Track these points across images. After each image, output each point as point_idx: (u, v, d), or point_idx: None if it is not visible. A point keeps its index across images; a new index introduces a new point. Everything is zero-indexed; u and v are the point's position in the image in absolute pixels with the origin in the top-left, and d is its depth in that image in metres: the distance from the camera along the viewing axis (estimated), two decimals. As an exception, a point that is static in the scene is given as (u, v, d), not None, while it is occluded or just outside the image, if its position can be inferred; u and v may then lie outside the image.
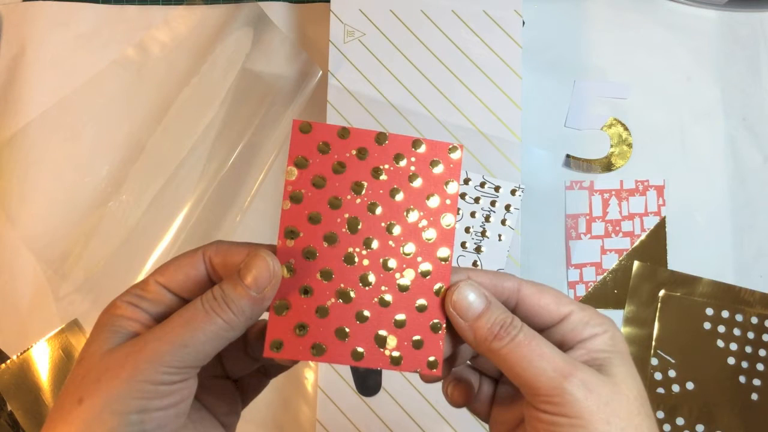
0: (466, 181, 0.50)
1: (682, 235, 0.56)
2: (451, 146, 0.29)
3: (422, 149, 0.29)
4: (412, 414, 0.48)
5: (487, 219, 0.50)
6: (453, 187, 0.29)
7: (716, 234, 0.56)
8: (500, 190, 0.50)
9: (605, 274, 0.55)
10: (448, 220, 0.29)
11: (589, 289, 0.55)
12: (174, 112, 0.56)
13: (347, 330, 0.28)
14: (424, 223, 0.29)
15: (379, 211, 0.29)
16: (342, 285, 0.28)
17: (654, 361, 0.54)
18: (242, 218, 0.56)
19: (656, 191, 0.56)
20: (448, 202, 0.29)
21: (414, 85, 0.50)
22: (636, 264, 0.55)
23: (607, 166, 0.56)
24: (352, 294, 0.28)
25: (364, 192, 0.29)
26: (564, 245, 0.56)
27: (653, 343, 0.54)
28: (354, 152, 0.29)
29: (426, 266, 0.29)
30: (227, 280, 0.27)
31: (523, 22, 0.50)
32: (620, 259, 0.55)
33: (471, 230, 0.50)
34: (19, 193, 0.56)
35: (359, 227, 0.29)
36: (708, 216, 0.56)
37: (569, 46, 0.58)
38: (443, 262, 0.29)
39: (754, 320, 0.54)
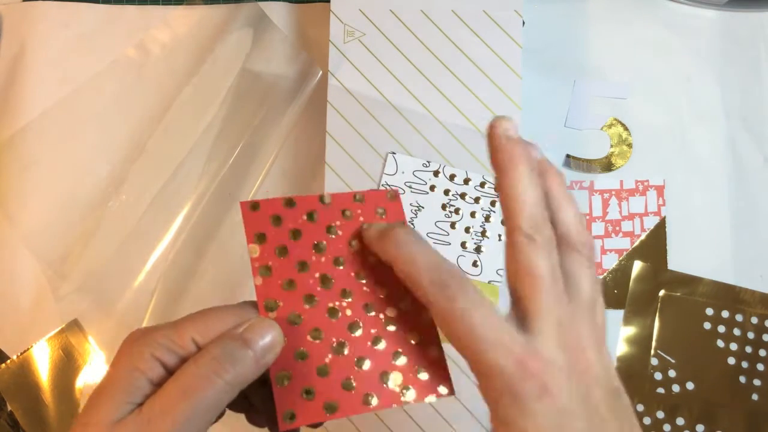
0: (466, 181, 0.50)
1: (682, 235, 0.56)
2: (388, 193, 0.31)
3: (364, 201, 0.31)
4: (413, 414, 0.48)
5: (487, 219, 0.50)
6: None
7: (716, 234, 0.56)
8: (500, 190, 0.50)
9: (605, 274, 0.55)
10: None
11: (589, 289, 0.55)
12: (174, 112, 0.56)
13: (352, 380, 0.28)
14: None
15: (343, 262, 0.30)
16: (334, 340, 0.29)
17: (654, 361, 0.54)
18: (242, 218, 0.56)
19: (656, 191, 0.56)
20: None
21: (414, 85, 0.50)
22: (636, 264, 0.55)
23: (607, 166, 0.56)
24: (346, 346, 0.29)
25: (325, 250, 0.30)
26: (564, 245, 0.56)
27: (653, 343, 0.54)
28: (304, 217, 0.30)
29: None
30: (228, 339, 0.26)
31: (523, 22, 0.50)
32: (620, 259, 0.55)
33: (471, 230, 0.50)
34: (19, 193, 0.56)
35: (332, 282, 0.29)
36: (708, 216, 0.56)
37: (569, 46, 0.58)
38: None
39: (754, 320, 0.54)
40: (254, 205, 0.30)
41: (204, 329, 0.26)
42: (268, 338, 0.26)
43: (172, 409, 0.24)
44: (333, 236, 0.30)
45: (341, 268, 0.30)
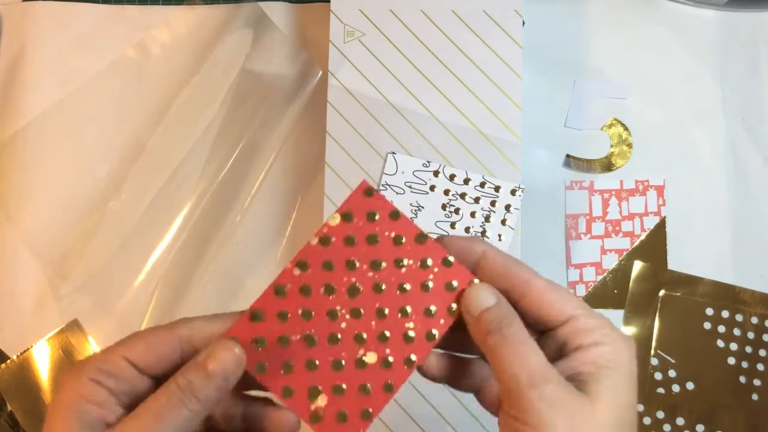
0: (466, 181, 0.50)
1: (682, 235, 0.56)
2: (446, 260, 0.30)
3: (451, 266, 0.30)
4: (413, 415, 0.48)
5: (487, 219, 0.50)
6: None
7: (716, 234, 0.56)
8: (500, 190, 0.50)
9: (605, 274, 0.55)
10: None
11: (589, 289, 0.55)
12: (174, 112, 0.56)
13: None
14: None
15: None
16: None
17: (654, 361, 0.54)
18: (242, 218, 0.56)
19: (656, 191, 0.56)
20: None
21: (414, 85, 0.50)
22: (636, 264, 0.55)
23: (607, 166, 0.56)
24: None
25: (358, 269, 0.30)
26: (564, 245, 0.56)
27: (653, 343, 0.54)
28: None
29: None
30: (192, 368, 0.27)
31: (523, 22, 0.50)
32: (620, 259, 0.55)
33: (471, 230, 0.50)
34: (19, 193, 0.56)
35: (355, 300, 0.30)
36: (708, 216, 0.56)
37: (569, 46, 0.58)
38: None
39: (754, 320, 0.54)
40: (369, 191, 0.30)
41: (132, 348, 0.27)
42: (229, 365, 0.27)
43: None
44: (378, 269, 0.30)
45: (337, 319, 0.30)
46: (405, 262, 0.30)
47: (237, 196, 0.56)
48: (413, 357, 0.30)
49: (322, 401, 0.29)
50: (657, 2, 0.58)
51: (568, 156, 0.56)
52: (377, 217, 0.30)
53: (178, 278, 0.54)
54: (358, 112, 0.50)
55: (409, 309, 0.30)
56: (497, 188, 0.50)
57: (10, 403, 0.53)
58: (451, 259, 0.30)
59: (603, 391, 0.26)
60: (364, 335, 0.30)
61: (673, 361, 0.54)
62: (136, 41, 0.58)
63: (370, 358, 0.29)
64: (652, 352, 0.54)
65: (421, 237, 0.30)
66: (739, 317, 0.54)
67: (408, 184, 0.50)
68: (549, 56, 0.57)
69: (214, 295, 0.55)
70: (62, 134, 0.57)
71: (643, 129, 0.57)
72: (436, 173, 0.50)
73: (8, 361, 0.54)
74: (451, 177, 0.50)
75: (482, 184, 0.50)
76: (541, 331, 0.29)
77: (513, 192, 0.50)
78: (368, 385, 0.29)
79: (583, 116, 0.57)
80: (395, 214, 0.30)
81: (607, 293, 0.55)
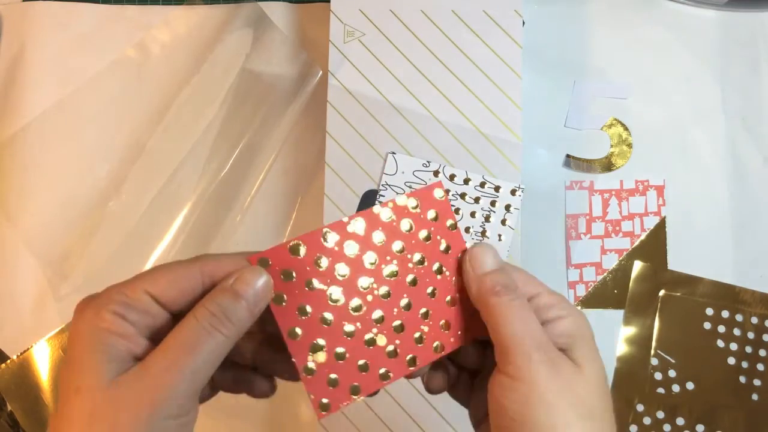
0: (466, 181, 0.50)
1: (682, 235, 0.56)
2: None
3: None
4: (413, 415, 0.48)
5: (487, 219, 0.50)
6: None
7: (716, 234, 0.56)
8: (500, 190, 0.50)
9: (605, 274, 0.55)
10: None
11: (589, 289, 0.55)
12: (174, 112, 0.56)
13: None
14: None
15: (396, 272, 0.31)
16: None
17: (654, 361, 0.54)
18: (242, 218, 0.56)
19: (656, 191, 0.56)
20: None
21: (414, 85, 0.50)
22: (636, 264, 0.55)
23: (607, 166, 0.56)
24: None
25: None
26: (564, 245, 0.56)
27: (653, 343, 0.54)
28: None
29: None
30: (220, 293, 0.27)
31: (523, 22, 0.50)
32: (620, 259, 0.55)
33: (471, 230, 0.50)
34: (19, 193, 0.56)
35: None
36: (708, 216, 0.56)
37: (569, 46, 0.58)
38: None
39: (754, 320, 0.54)
40: (442, 193, 0.31)
41: (155, 282, 0.27)
42: (258, 286, 0.27)
43: (176, 363, 0.25)
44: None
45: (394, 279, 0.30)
46: (444, 270, 0.31)
47: (237, 196, 0.56)
48: (417, 359, 0.30)
49: (320, 358, 0.29)
50: (657, 2, 0.58)
51: (568, 156, 0.56)
52: (437, 218, 0.31)
53: (178, 278, 0.54)
54: (358, 112, 0.50)
55: (430, 314, 0.30)
56: (497, 188, 0.50)
57: (10, 403, 0.53)
58: None
59: (582, 357, 0.28)
60: (384, 317, 0.30)
61: (673, 361, 0.54)
62: (136, 41, 0.58)
63: (381, 340, 0.30)
64: (652, 352, 0.54)
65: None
66: (739, 317, 0.54)
67: (408, 184, 0.50)
68: (549, 56, 0.57)
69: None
70: (62, 134, 0.57)
71: (643, 129, 0.57)
72: (436, 173, 0.50)
73: (8, 361, 0.53)
74: (451, 177, 0.50)
75: (482, 184, 0.50)
76: None
77: (513, 192, 0.50)
78: (368, 363, 0.29)
79: (583, 116, 0.57)
80: (453, 226, 0.31)
81: (607, 293, 0.55)
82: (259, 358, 0.32)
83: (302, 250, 0.29)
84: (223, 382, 0.32)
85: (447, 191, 0.31)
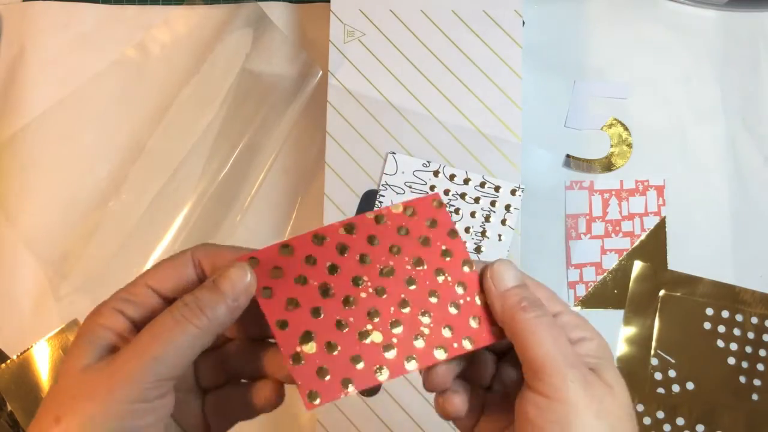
0: (466, 181, 0.50)
1: (682, 235, 0.56)
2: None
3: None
4: (413, 415, 0.48)
5: (487, 219, 0.50)
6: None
7: (716, 234, 0.56)
8: (500, 190, 0.50)
9: (605, 274, 0.55)
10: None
11: (589, 289, 0.55)
12: (174, 112, 0.56)
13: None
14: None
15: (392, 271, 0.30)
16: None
17: (654, 361, 0.54)
18: (242, 218, 0.56)
19: (656, 191, 0.56)
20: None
21: (414, 85, 0.50)
22: (636, 264, 0.55)
23: (607, 166, 0.56)
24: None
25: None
26: (564, 245, 0.56)
27: (653, 343, 0.54)
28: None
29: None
30: (201, 286, 0.27)
31: (523, 22, 0.50)
32: (620, 259, 0.55)
33: (471, 230, 0.50)
34: (19, 193, 0.56)
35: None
36: (708, 216, 0.56)
37: (569, 46, 0.58)
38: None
39: (754, 320, 0.54)
40: (440, 203, 0.31)
41: (156, 276, 0.28)
42: (239, 281, 0.27)
43: (141, 351, 0.25)
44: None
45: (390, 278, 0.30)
46: (445, 275, 0.30)
47: (237, 196, 0.56)
48: (414, 359, 0.29)
49: (310, 348, 0.28)
50: (657, 2, 0.58)
51: (568, 156, 0.56)
52: (436, 226, 0.31)
53: (178, 278, 0.54)
54: (358, 112, 0.50)
55: (431, 315, 0.30)
56: (497, 188, 0.50)
57: (10, 403, 0.53)
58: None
59: (612, 379, 0.28)
60: (380, 313, 0.29)
61: (673, 361, 0.54)
62: (136, 41, 0.58)
63: (376, 336, 0.29)
64: (652, 352, 0.54)
65: (467, 263, 0.31)
66: (739, 317, 0.54)
67: (408, 184, 0.50)
68: (549, 56, 0.57)
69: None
70: (62, 134, 0.57)
71: (643, 129, 0.57)
72: (436, 173, 0.50)
73: (8, 361, 0.54)
74: (451, 177, 0.50)
75: (482, 184, 0.50)
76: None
77: (513, 192, 0.50)
78: (362, 357, 0.29)
79: (583, 116, 0.57)
80: (453, 233, 0.31)
81: (607, 293, 0.55)
82: (252, 365, 0.32)
83: (293, 250, 0.29)
84: (226, 403, 0.31)
85: (444, 204, 0.31)
